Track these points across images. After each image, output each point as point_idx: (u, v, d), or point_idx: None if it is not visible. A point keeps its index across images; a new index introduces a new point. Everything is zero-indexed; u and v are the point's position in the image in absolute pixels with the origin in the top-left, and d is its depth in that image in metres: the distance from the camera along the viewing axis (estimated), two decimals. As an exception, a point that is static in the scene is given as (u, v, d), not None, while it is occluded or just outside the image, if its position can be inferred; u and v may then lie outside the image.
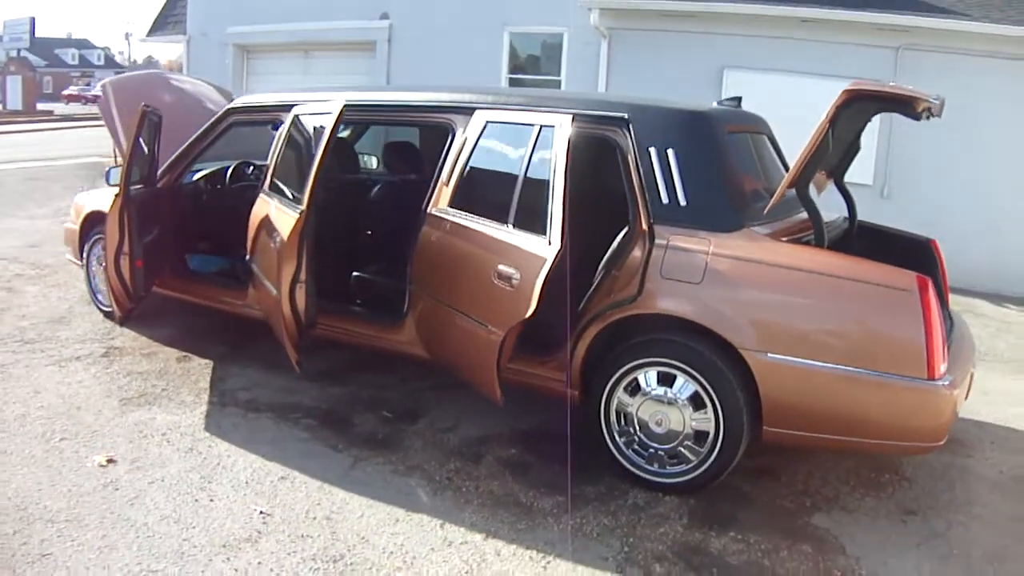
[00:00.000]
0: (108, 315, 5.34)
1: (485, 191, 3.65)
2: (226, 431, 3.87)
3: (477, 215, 3.51)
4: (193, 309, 5.18)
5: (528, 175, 3.29)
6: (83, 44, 68.91)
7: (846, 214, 4.23)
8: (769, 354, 3.13)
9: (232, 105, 4.71)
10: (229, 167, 5.30)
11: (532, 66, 10.55)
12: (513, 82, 10.27)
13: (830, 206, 3.92)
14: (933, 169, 8.18)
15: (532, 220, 3.19)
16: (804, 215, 3.47)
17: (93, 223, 5.32)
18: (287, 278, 3.55)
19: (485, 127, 3.66)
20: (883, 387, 3.03)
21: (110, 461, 3.51)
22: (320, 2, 11.29)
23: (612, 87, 9.15)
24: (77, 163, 14.81)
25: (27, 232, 8.26)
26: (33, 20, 38.79)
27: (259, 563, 2.83)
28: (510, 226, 3.30)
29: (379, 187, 4.97)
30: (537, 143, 3.29)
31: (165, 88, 5.69)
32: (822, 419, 3.15)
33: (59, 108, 39.17)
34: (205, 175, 5.26)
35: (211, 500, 3.24)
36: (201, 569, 2.77)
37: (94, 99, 5.64)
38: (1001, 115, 7.63)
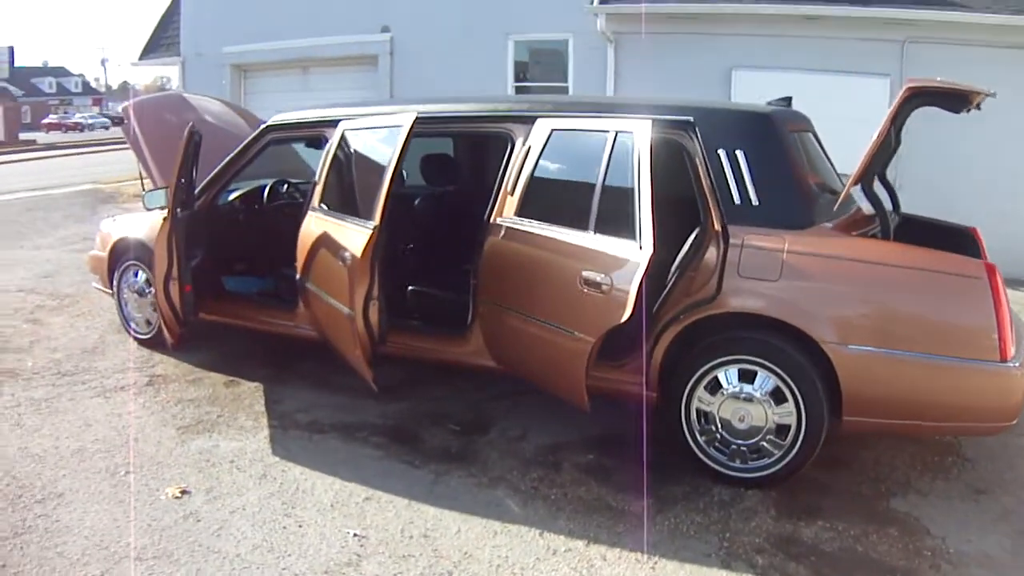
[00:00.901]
0: (143, 343, 5.20)
1: (558, 198, 3.60)
2: (295, 454, 3.77)
3: (551, 223, 3.46)
4: (228, 332, 5.05)
5: (607, 181, 3.24)
6: (60, 72, 67.73)
7: (891, 207, 4.26)
8: (849, 346, 3.12)
9: (270, 123, 4.60)
10: (265, 186, 5.19)
11: (538, 73, 10.46)
12: (519, 90, 10.20)
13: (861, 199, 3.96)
14: (942, 158, 8.16)
15: (617, 225, 3.15)
16: (859, 209, 3.49)
17: (123, 250, 5.17)
18: (360, 295, 3.47)
19: (550, 135, 3.62)
20: (958, 371, 3.05)
21: (184, 492, 3.39)
22: (318, 18, 11.14)
23: (620, 91, 9.11)
24: (72, 191, 14.44)
25: (37, 262, 8.02)
26: (12, 50, 38.04)
27: (368, 586, 2.77)
28: (591, 232, 3.25)
29: (420, 199, 4.90)
30: (614, 149, 3.25)
31: (186, 108, 5.57)
32: (901, 406, 3.15)
33: (40, 137, 38.40)
34: (240, 195, 5.14)
35: (299, 526, 3.14)
36: None
37: (118, 121, 5.52)
38: (1004, 103, 7.63)
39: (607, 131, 3.33)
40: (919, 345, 3.06)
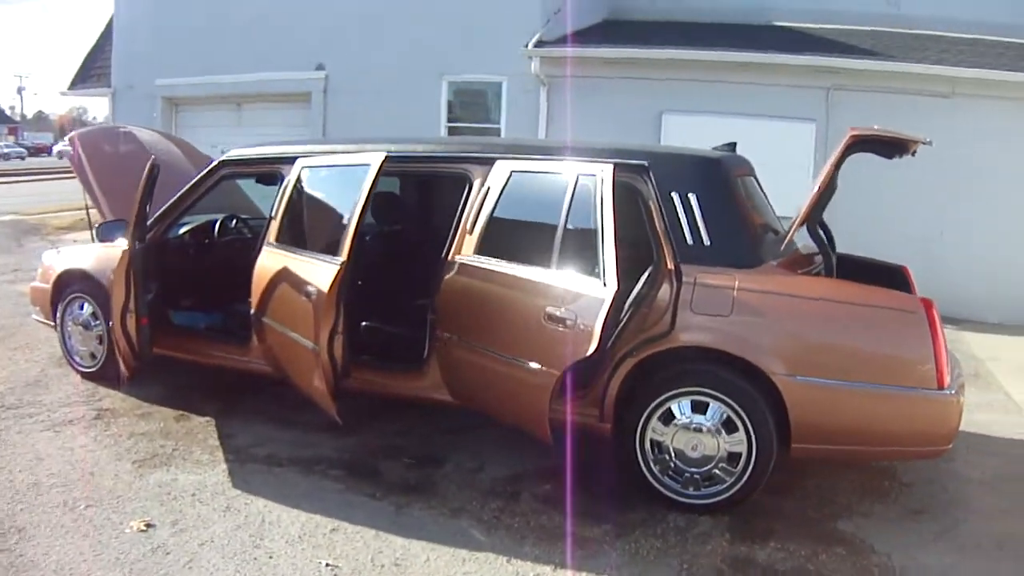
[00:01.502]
0: (87, 376, 5.08)
1: (518, 237, 3.75)
2: (256, 487, 3.75)
3: (512, 261, 3.60)
4: (172, 367, 4.97)
5: (569, 221, 3.42)
6: (-27, 100, 64.72)
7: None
8: (796, 377, 3.36)
9: (225, 158, 4.61)
10: (215, 220, 5.18)
11: (471, 114, 10.64)
12: (452, 130, 10.35)
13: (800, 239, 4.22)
14: (865, 205, 8.32)
15: (579, 263, 3.33)
16: (798, 249, 3.77)
17: (68, 282, 5.06)
18: (326, 330, 3.53)
19: (510, 176, 3.78)
20: (900, 399, 3.32)
21: (148, 525, 3.35)
22: (253, 53, 11.11)
23: (552, 133, 9.37)
24: (-6, 222, 13.88)
25: (-38, 295, 7.71)
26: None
27: (346, 615, 2.81)
28: (554, 269, 3.41)
29: (370, 237, 4.98)
30: (576, 190, 3.44)
31: (132, 141, 5.54)
32: (846, 433, 3.39)
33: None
34: (189, 229, 5.12)
35: (270, 557, 3.15)
36: None
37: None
38: (923, 149, 8.09)
39: (568, 173, 3.51)
40: (862, 375, 3.32)
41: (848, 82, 8.60)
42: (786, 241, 3.69)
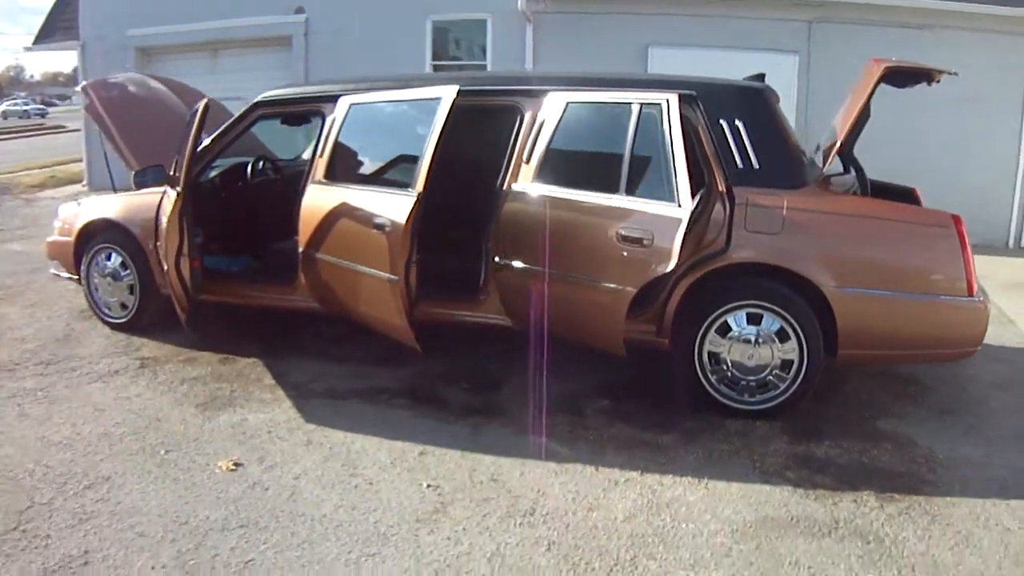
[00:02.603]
0: (118, 327, 4.86)
1: (580, 165, 3.70)
2: (328, 420, 3.69)
3: (577, 187, 3.56)
4: (200, 312, 4.80)
5: (636, 149, 3.39)
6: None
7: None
8: (844, 288, 3.46)
9: (260, 99, 4.37)
10: (246, 163, 4.93)
11: (456, 53, 10.29)
12: (437, 68, 9.97)
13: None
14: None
15: (650, 188, 3.32)
16: (832, 173, 3.84)
17: (93, 233, 4.78)
18: (402, 260, 3.43)
19: (566, 107, 3.70)
20: (935, 306, 3.46)
21: (237, 464, 3.27)
22: None
23: (540, 70, 9.06)
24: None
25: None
26: None
27: (464, 528, 2.80)
28: (623, 194, 3.39)
29: None
30: (640, 119, 3.39)
31: (147, 87, 5.21)
32: (888, 338, 3.53)
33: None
34: (219, 173, 4.86)
35: (369, 484, 3.12)
36: (416, 545, 2.70)
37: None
38: None
39: (631, 103, 3.46)
40: (901, 285, 3.45)
41: (830, 15, 8.56)
42: (826, 164, 3.74)
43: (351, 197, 3.80)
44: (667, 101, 3.30)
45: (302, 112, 4.41)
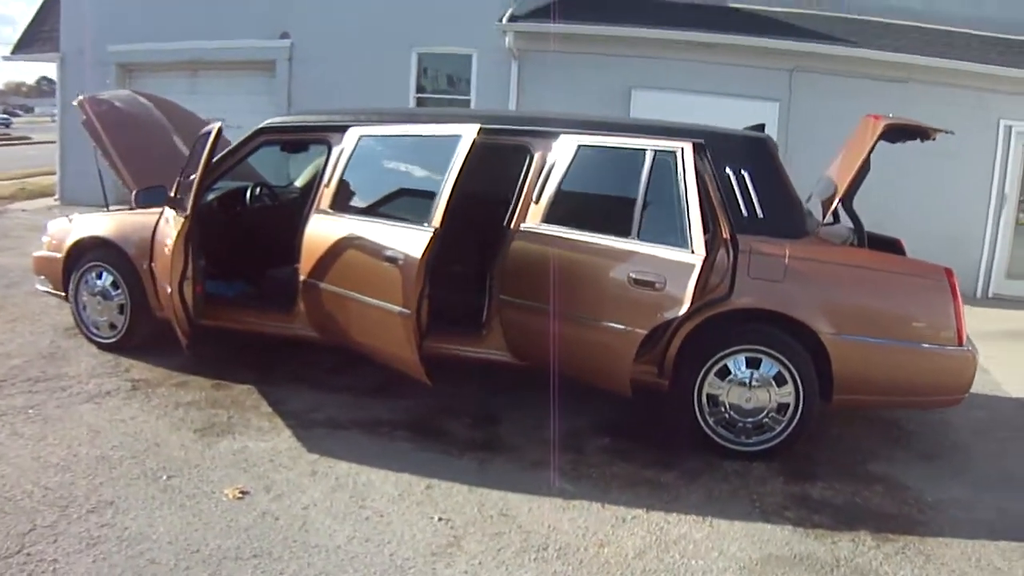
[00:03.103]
0: (105, 347, 4.79)
1: (591, 207, 3.81)
2: (331, 451, 3.69)
3: (587, 229, 3.67)
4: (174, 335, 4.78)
5: (649, 194, 3.52)
6: None
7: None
8: (841, 335, 3.63)
9: (264, 125, 4.41)
10: (244, 188, 4.93)
11: (441, 86, 10.42)
12: (421, 101, 10.12)
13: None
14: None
15: (661, 233, 3.45)
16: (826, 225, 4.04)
17: (83, 250, 4.73)
18: (416, 294, 3.48)
19: (577, 150, 3.83)
20: (927, 355, 3.65)
21: (243, 492, 3.25)
22: (213, 19, 10.44)
23: (523, 106, 9.29)
24: None
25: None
26: None
27: (480, 563, 2.84)
28: (635, 238, 3.52)
29: None
30: (654, 165, 3.53)
31: (138, 105, 5.20)
32: (880, 384, 3.70)
33: None
34: (216, 197, 4.85)
35: (380, 516, 3.14)
36: None
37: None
38: None
39: (644, 149, 3.60)
40: (896, 334, 3.63)
41: (810, 64, 8.88)
42: (826, 216, 3.93)
43: (360, 229, 3.85)
44: (682, 149, 3.45)
45: (307, 140, 4.46)
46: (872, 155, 3.79)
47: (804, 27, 9.22)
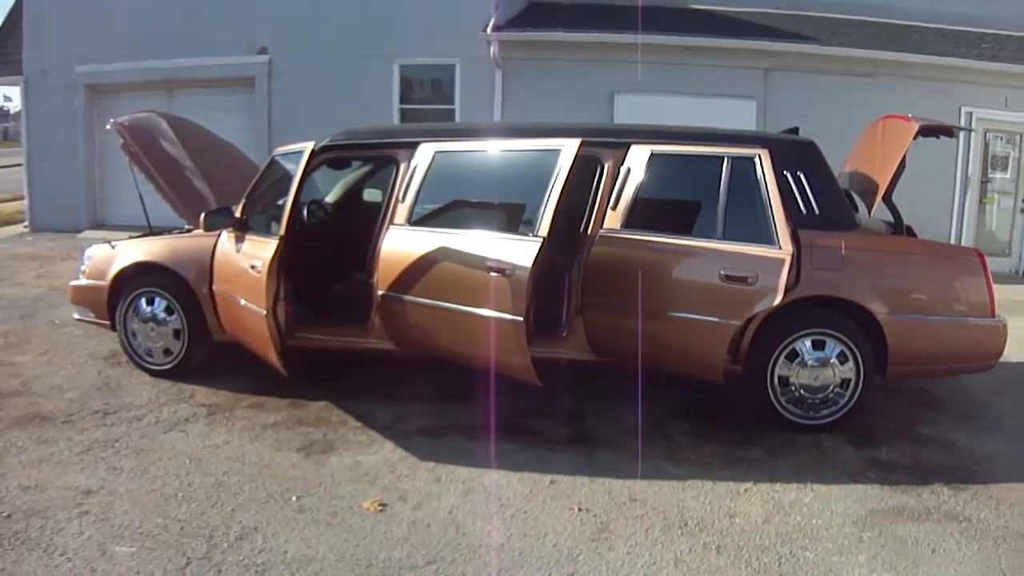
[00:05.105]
0: (158, 373, 4.78)
1: (671, 212, 4.13)
2: (442, 457, 3.86)
3: (671, 232, 4.00)
4: (226, 356, 4.84)
5: (731, 197, 3.88)
6: None
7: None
8: (894, 315, 4.09)
9: (326, 143, 4.48)
10: (303, 206, 4.95)
11: (424, 96, 10.46)
12: (405, 112, 10.15)
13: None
14: None
15: (747, 231, 3.81)
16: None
17: (131, 277, 4.67)
18: (525, 302, 3.68)
19: (651, 158, 4.14)
20: (966, 326, 4.18)
21: (382, 504, 3.39)
22: (187, 37, 10.17)
23: (508, 114, 9.51)
24: None
25: None
26: None
27: (637, 543, 3.08)
28: (721, 239, 3.87)
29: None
30: (733, 170, 3.89)
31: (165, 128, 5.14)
32: (928, 356, 4.21)
33: None
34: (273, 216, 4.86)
35: (524, 513, 3.35)
36: (604, 561, 2.96)
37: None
38: (849, 119, 7.95)
39: (723, 156, 3.95)
40: (939, 310, 4.14)
41: (784, 63, 9.44)
42: (872, 210, 4.40)
43: (452, 241, 4.01)
44: (759, 156, 3.83)
45: (372, 156, 4.57)
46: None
47: (777, 27, 9.83)
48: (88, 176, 11.36)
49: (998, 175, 10.02)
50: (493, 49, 9.39)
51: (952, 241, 9.60)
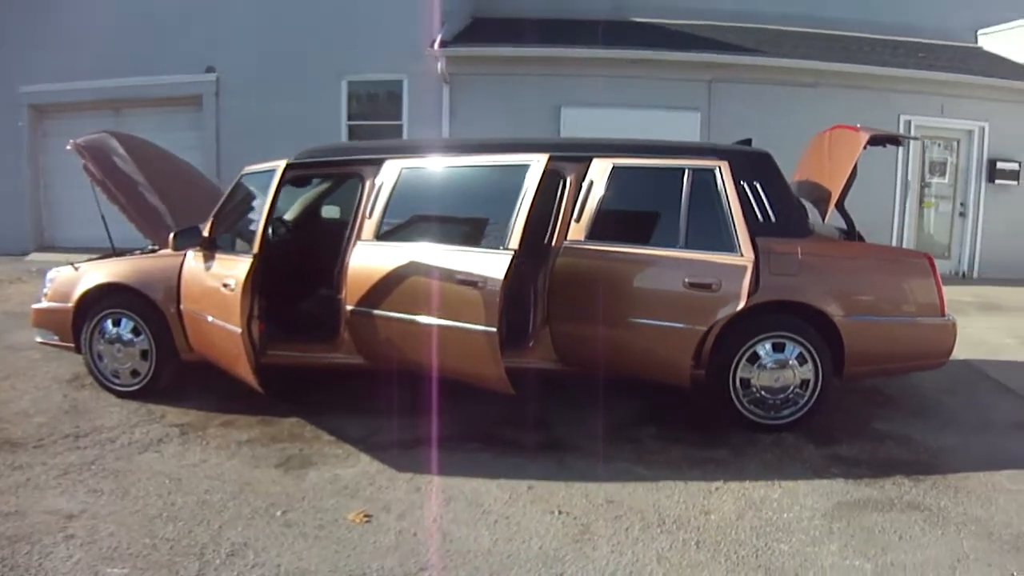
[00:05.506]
0: (125, 395, 4.77)
1: (634, 222, 4.31)
2: (419, 468, 3.94)
3: (634, 242, 4.18)
4: (191, 375, 4.89)
5: (692, 207, 4.09)
6: None
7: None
8: (850, 317, 4.34)
9: (292, 160, 4.52)
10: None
11: (372, 112, 10.52)
12: (352, 129, 10.20)
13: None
14: None
15: (708, 240, 4.02)
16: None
17: (97, 298, 4.66)
18: (497, 313, 3.81)
19: (612, 171, 4.32)
20: (918, 326, 4.45)
21: (367, 516, 3.47)
22: (133, 56, 10.10)
23: (456, 129, 9.63)
24: None
25: None
26: None
27: (619, 541, 3.23)
28: (683, 247, 4.07)
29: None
30: (694, 181, 4.11)
31: (115, 148, 5.13)
32: (882, 356, 4.46)
33: None
34: (236, 234, 4.89)
35: (507, 518, 3.45)
36: (590, 560, 3.09)
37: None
38: (791, 128, 8.28)
39: (683, 168, 4.16)
40: (892, 311, 4.41)
41: (727, 75, 9.78)
42: (826, 217, 4.65)
43: (422, 256, 4.11)
44: (719, 167, 4.05)
45: (338, 173, 4.65)
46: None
47: (720, 39, 10.18)
48: (33, 198, 11.22)
49: (935, 180, 10.60)
50: (440, 65, 9.56)
51: (894, 245, 10.10)
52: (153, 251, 4.94)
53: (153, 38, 10.36)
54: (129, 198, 4.75)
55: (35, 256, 10.49)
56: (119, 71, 10.26)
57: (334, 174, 4.81)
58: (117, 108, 10.72)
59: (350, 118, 10.44)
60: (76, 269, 4.81)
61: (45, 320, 4.87)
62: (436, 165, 4.42)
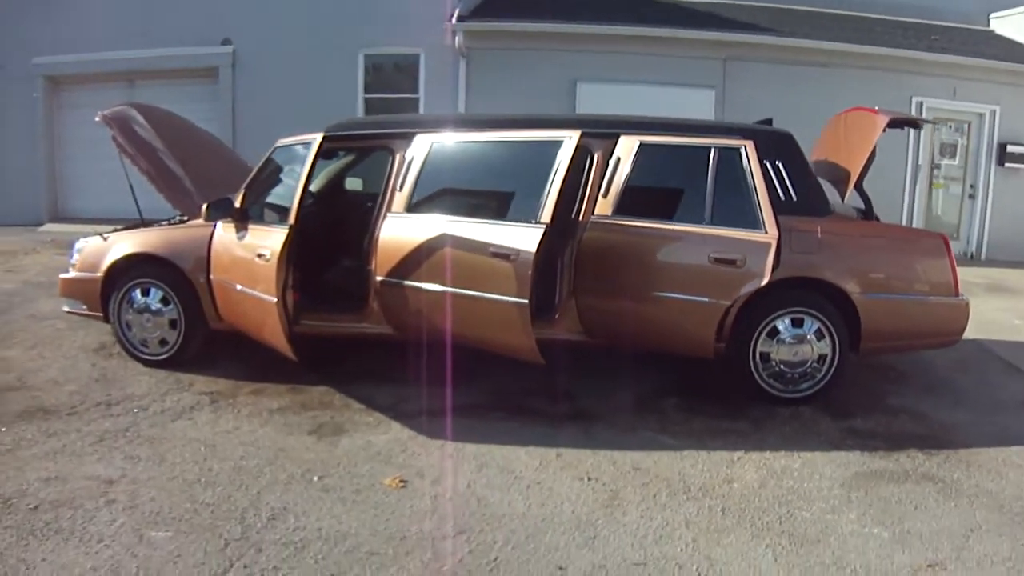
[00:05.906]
0: (153, 363, 4.89)
1: (661, 199, 4.42)
2: (450, 435, 4.08)
3: (660, 218, 4.30)
4: (221, 344, 5.01)
5: (717, 184, 4.21)
6: None
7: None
8: (867, 294, 4.48)
9: (328, 132, 4.59)
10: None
11: (388, 86, 10.54)
12: (369, 102, 10.23)
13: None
14: None
15: (733, 217, 4.14)
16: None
17: (126, 268, 4.76)
18: (530, 285, 3.91)
19: (639, 147, 4.43)
20: (932, 305, 4.58)
21: (403, 481, 3.60)
22: (150, 27, 10.07)
23: (472, 103, 9.69)
24: None
25: None
26: None
27: (648, 507, 3.38)
28: (709, 224, 4.19)
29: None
30: (720, 160, 4.22)
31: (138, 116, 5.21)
32: (898, 333, 4.60)
33: None
34: (268, 203, 4.99)
35: (539, 484, 3.60)
36: (621, 524, 3.24)
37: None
38: (804, 108, 8.35)
39: (709, 146, 4.27)
40: (908, 289, 4.54)
41: (741, 53, 9.84)
42: (845, 197, 4.77)
43: (454, 228, 4.22)
44: (745, 147, 4.16)
45: (370, 147, 4.74)
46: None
47: (735, 18, 10.22)
48: (48, 169, 11.26)
49: (946, 162, 10.72)
50: (457, 39, 9.60)
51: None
52: (181, 221, 5.04)
53: (169, 9, 10.37)
54: (157, 168, 4.84)
55: (49, 227, 10.55)
56: (134, 43, 10.25)
57: (364, 147, 4.90)
58: (131, 80, 10.74)
59: (367, 91, 10.48)
60: (104, 239, 4.90)
61: (74, 290, 4.97)
62: (467, 140, 4.52)
